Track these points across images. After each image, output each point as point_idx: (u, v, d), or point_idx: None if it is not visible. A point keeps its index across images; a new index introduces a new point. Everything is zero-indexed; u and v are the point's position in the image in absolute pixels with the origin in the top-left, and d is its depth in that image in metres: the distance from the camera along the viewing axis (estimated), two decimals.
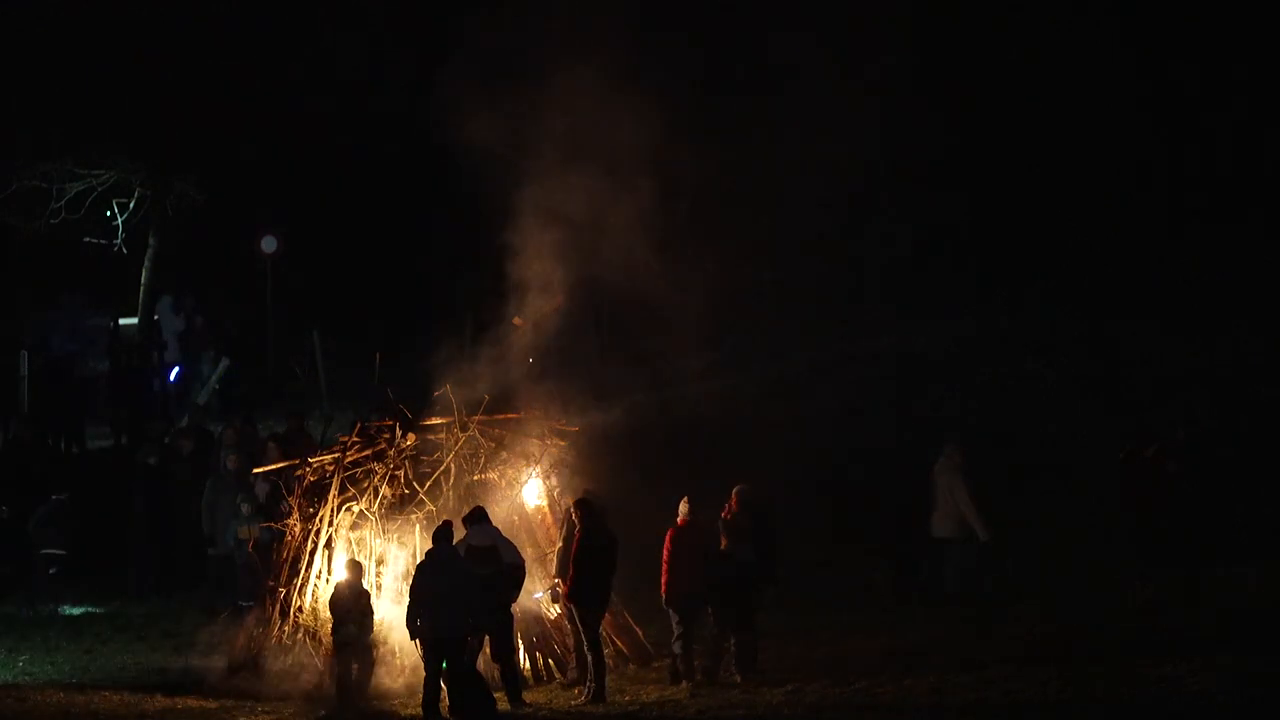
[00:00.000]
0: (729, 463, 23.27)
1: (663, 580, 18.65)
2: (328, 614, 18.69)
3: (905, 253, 34.02)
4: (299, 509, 19.31)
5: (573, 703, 18.05)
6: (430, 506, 18.99)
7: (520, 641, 18.79)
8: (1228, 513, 22.10)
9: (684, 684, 18.44)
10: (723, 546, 18.70)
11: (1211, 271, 31.41)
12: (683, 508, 18.80)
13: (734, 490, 19.07)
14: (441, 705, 17.47)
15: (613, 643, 19.56)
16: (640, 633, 19.77)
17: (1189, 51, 32.17)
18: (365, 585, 18.36)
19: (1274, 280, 30.42)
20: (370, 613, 18.20)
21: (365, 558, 18.80)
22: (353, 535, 19.04)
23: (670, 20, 24.11)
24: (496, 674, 18.06)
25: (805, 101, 29.67)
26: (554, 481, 19.89)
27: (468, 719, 17.38)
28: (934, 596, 21.85)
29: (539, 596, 19.13)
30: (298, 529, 19.24)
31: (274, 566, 19.43)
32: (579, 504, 18.41)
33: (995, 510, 22.26)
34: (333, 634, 18.09)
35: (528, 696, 18.07)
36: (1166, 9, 32.28)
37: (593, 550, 18.16)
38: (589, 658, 18.10)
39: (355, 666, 18.00)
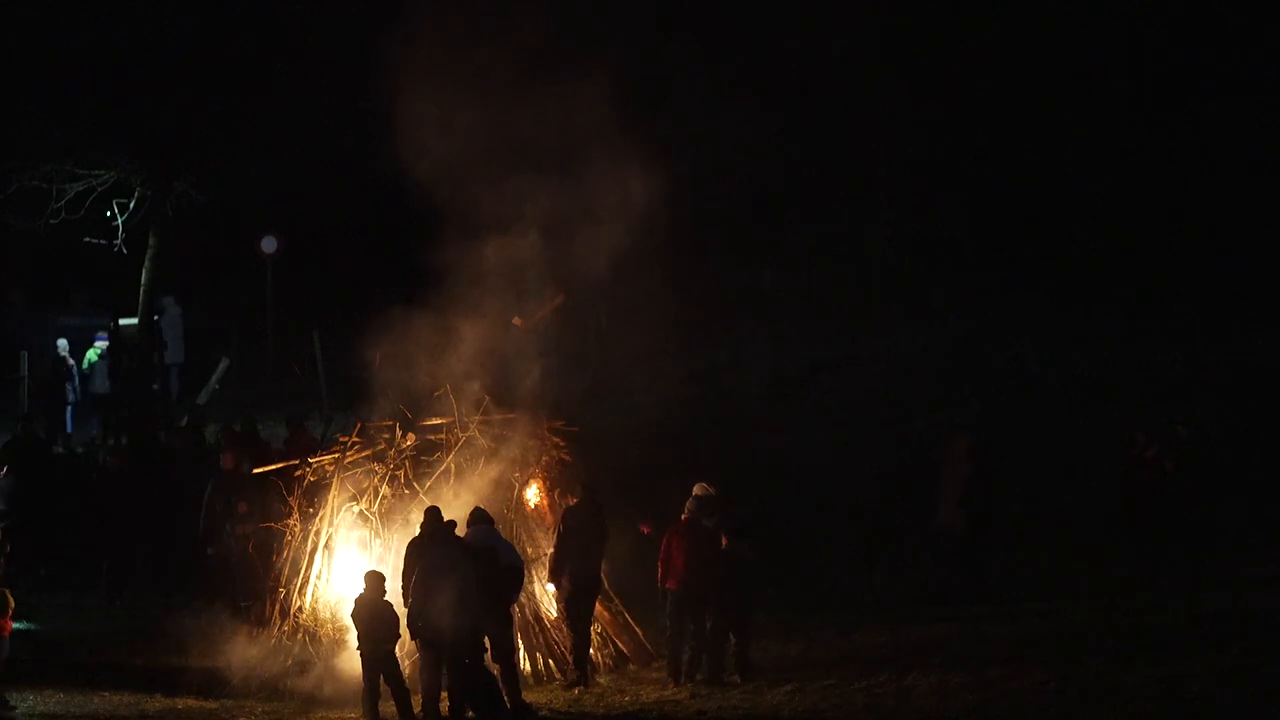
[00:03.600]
0: (729, 463, 23.35)
1: (659, 574, 18.67)
2: (328, 615, 18.76)
3: (906, 253, 34.09)
4: (299, 509, 19.31)
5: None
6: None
7: (520, 642, 18.78)
8: (1228, 513, 22.08)
9: (684, 684, 18.45)
10: (723, 546, 18.69)
11: (1212, 271, 31.44)
12: (690, 505, 18.81)
13: (695, 489, 18.96)
14: (441, 706, 17.49)
15: (613, 643, 19.57)
16: (640, 633, 19.77)
17: (1189, 49, 32.20)
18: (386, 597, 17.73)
19: (1274, 280, 30.44)
20: (394, 624, 17.60)
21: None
22: (353, 535, 19.08)
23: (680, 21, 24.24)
24: (496, 674, 18.06)
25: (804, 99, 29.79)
26: (553, 481, 19.88)
27: (478, 715, 17.40)
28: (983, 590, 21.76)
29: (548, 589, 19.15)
30: (298, 529, 19.24)
31: (273, 566, 19.41)
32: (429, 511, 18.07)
33: (996, 510, 22.30)
34: (358, 647, 17.79)
35: (528, 696, 18.05)
36: (1166, 6, 32.31)
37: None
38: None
39: (382, 681, 17.61)
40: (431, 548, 17.64)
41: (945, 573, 22.06)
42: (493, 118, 19.42)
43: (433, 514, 17.82)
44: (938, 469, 22.28)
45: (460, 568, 17.43)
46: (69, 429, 29.93)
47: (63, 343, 29.82)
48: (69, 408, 30.07)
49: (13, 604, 18.03)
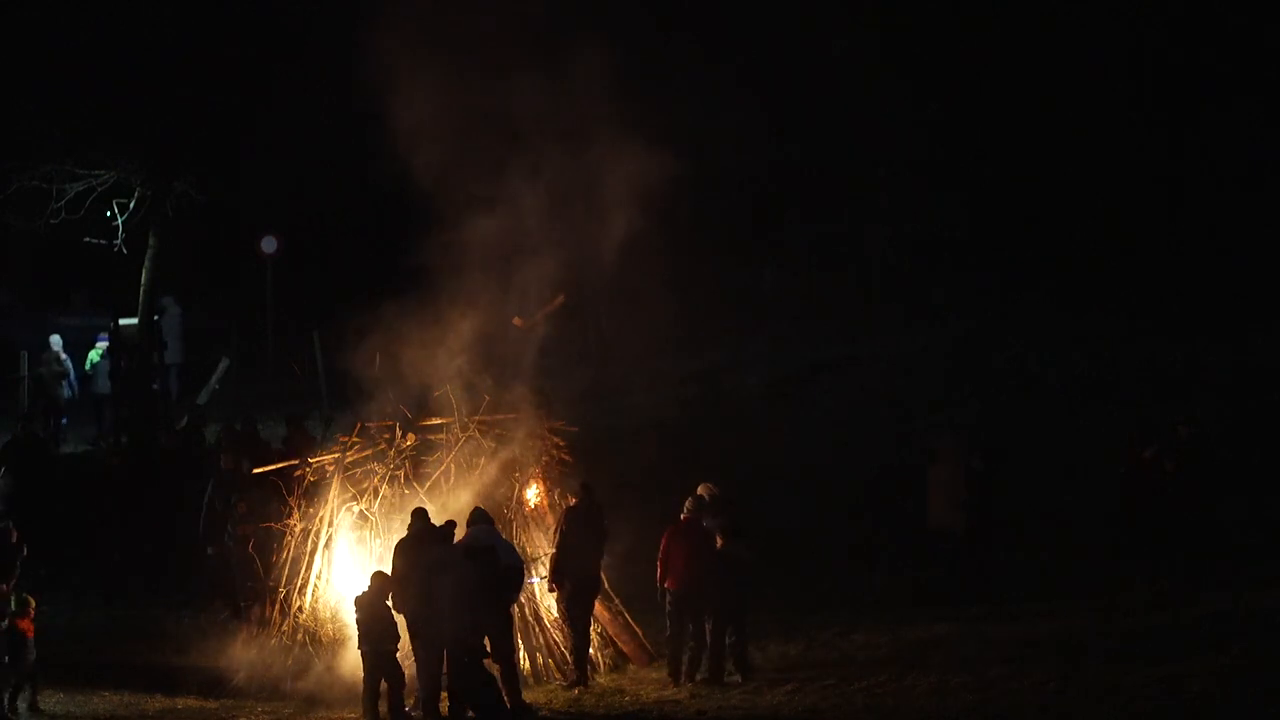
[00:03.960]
0: (729, 463, 23.34)
1: (659, 574, 18.67)
2: (328, 615, 18.77)
3: (906, 253, 34.10)
4: (298, 509, 19.31)
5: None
6: (430, 507, 18.96)
7: (520, 642, 18.78)
8: (1228, 513, 22.07)
9: (684, 684, 18.45)
10: (719, 546, 18.69)
11: (1212, 271, 31.42)
12: (689, 504, 18.80)
13: (699, 489, 18.98)
14: (441, 706, 17.49)
15: (613, 643, 19.57)
16: (640, 633, 19.76)
17: (1189, 49, 32.19)
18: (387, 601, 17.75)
19: (1274, 280, 30.42)
20: (393, 624, 17.62)
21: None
22: (353, 535, 19.08)
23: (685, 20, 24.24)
24: (496, 674, 18.06)
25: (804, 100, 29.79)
26: (553, 481, 19.88)
27: (478, 715, 17.40)
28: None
29: (534, 582, 19.11)
30: (297, 529, 19.24)
31: (273, 566, 19.40)
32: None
33: (996, 510, 22.32)
34: (359, 646, 17.83)
35: (528, 696, 18.06)
36: (1166, 6, 32.31)
37: None
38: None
39: (382, 680, 17.63)
40: (430, 548, 17.64)
41: (945, 573, 22.07)
42: (491, 108, 19.42)
43: (419, 515, 17.87)
44: (928, 470, 22.35)
45: (459, 568, 17.43)
46: (63, 420, 29.90)
47: (55, 339, 29.79)
48: (62, 406, 30.03)
49: (33, 604, 18.09)
